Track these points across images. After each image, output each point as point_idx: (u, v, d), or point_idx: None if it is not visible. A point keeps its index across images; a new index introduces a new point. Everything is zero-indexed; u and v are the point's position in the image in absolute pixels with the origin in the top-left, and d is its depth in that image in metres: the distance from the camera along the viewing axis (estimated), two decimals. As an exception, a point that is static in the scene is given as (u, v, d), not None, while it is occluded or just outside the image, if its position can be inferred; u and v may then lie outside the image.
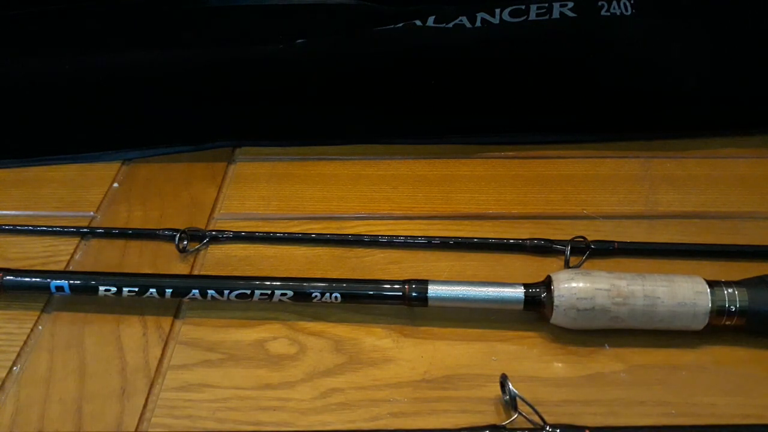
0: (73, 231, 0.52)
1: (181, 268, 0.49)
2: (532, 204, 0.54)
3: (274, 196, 0.56)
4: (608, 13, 0.52)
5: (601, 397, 0.39)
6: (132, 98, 0.59)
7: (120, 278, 0.45)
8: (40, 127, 0.61)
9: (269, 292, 0.43)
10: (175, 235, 0.50)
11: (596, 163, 0.59)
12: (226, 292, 0.44)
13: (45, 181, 0.58)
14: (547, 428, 0.36)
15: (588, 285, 0.40)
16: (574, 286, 0.40)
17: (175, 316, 0.45)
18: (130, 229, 0.53)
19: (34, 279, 0.45)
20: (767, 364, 0.41)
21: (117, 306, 0.45)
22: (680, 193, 0.55)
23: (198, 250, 0.51)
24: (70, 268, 0.50)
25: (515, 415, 0.37)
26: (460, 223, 0.53)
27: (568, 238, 0.49)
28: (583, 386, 0.40)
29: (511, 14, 0.52)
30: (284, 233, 0.52)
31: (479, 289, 0.42)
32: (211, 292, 0.44)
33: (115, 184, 0.58)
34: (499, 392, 0.38)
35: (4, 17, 0.53)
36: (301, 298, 0.44)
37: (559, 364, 0.41)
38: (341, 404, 0.39)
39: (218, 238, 0.51)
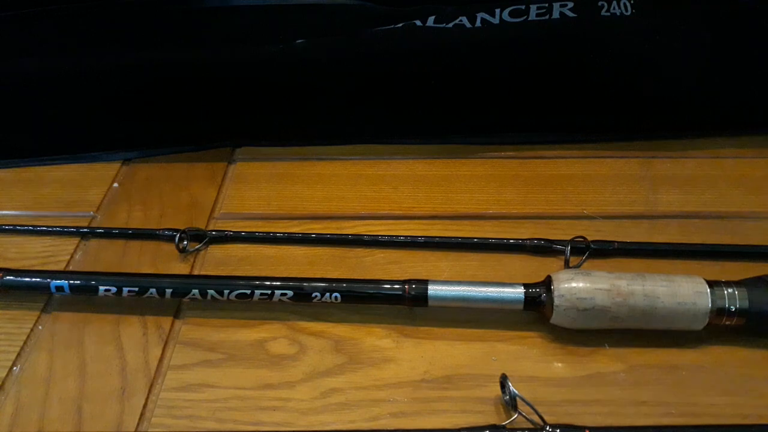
0: (73, 231, 0.52)
1: (181, 268, 0.49)
2: (532, 204, 0.54)
3: (274, 196, 0.56)
4: (608, 13, 0.52)
5: (601, 397, 0.39)
6: (132, 98, 0.59)
7: (120, 278, 0.45)
8: (40, 127, 0.61)
9: (269, 292, 0.43)
10: (175, 235, 0.50)
11: (596, 163, 0.59)
12: (226, 292, 0.44)
13: (45, 181, 0.58)
14: (547, 428, 0.36)
15: (588, 285, 0.40)
16: (574, 286, 0.40)
17: (175, 316, 0.45)
18: (130, 229, 0.53)
19: (34, 279, 0.45)
20: (767, 364, 0.41)
21: (117, 306, 0.46)
22: (680, 193, 0.55)
23: (198, 250, 0.51)
24: (70, 268, 0.50)
25: (515, 415, 0.37)
26: (460, 223, 0.53)
27: (568, 238, 0.49)
28: (583, 386, 0.40)
29: (511, 14, 0.52)
30: (284, 233, 0.51)
31: (479, 289, 0.42)
32: (211, 292, 0.44)
33: (115, 184, 0.58)
34: (499, 392, 0.38)
35: (4, 17, 0.53)
36: (301, 298, 0.44)
37: (559, 364, 0.41)
38: (341, 404, 0.39)
39: (218, 238, 0.51)
